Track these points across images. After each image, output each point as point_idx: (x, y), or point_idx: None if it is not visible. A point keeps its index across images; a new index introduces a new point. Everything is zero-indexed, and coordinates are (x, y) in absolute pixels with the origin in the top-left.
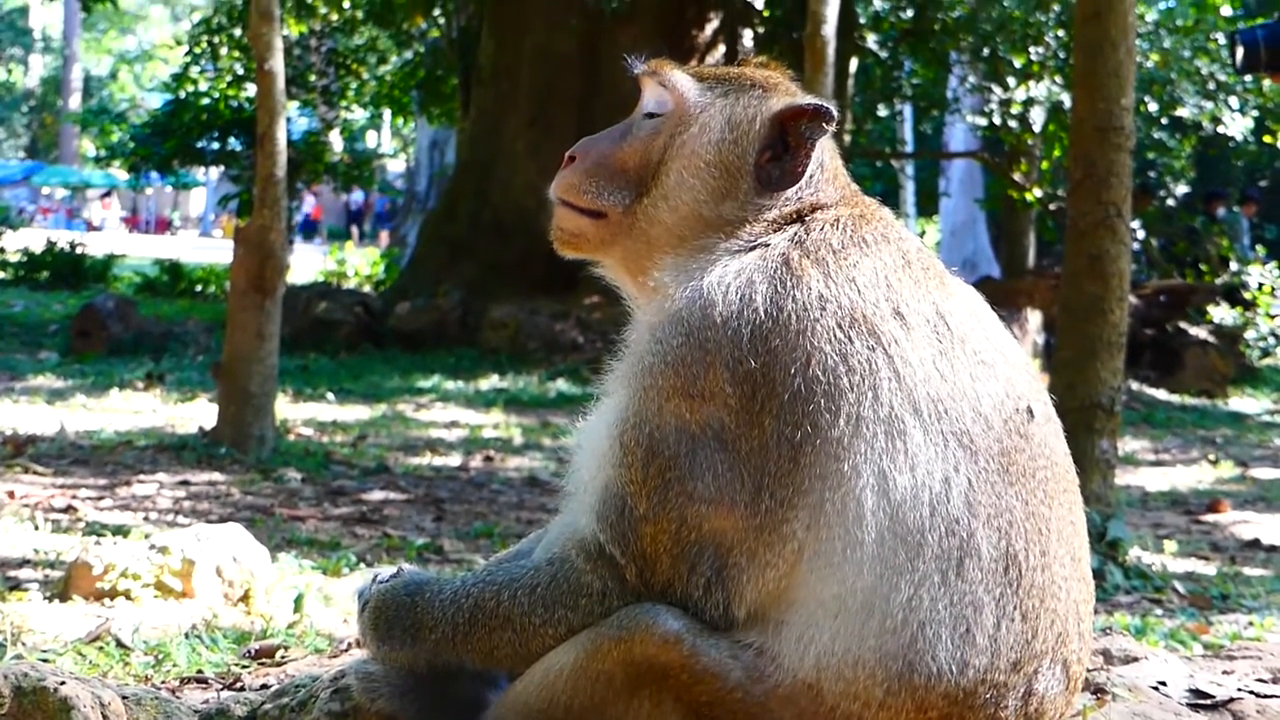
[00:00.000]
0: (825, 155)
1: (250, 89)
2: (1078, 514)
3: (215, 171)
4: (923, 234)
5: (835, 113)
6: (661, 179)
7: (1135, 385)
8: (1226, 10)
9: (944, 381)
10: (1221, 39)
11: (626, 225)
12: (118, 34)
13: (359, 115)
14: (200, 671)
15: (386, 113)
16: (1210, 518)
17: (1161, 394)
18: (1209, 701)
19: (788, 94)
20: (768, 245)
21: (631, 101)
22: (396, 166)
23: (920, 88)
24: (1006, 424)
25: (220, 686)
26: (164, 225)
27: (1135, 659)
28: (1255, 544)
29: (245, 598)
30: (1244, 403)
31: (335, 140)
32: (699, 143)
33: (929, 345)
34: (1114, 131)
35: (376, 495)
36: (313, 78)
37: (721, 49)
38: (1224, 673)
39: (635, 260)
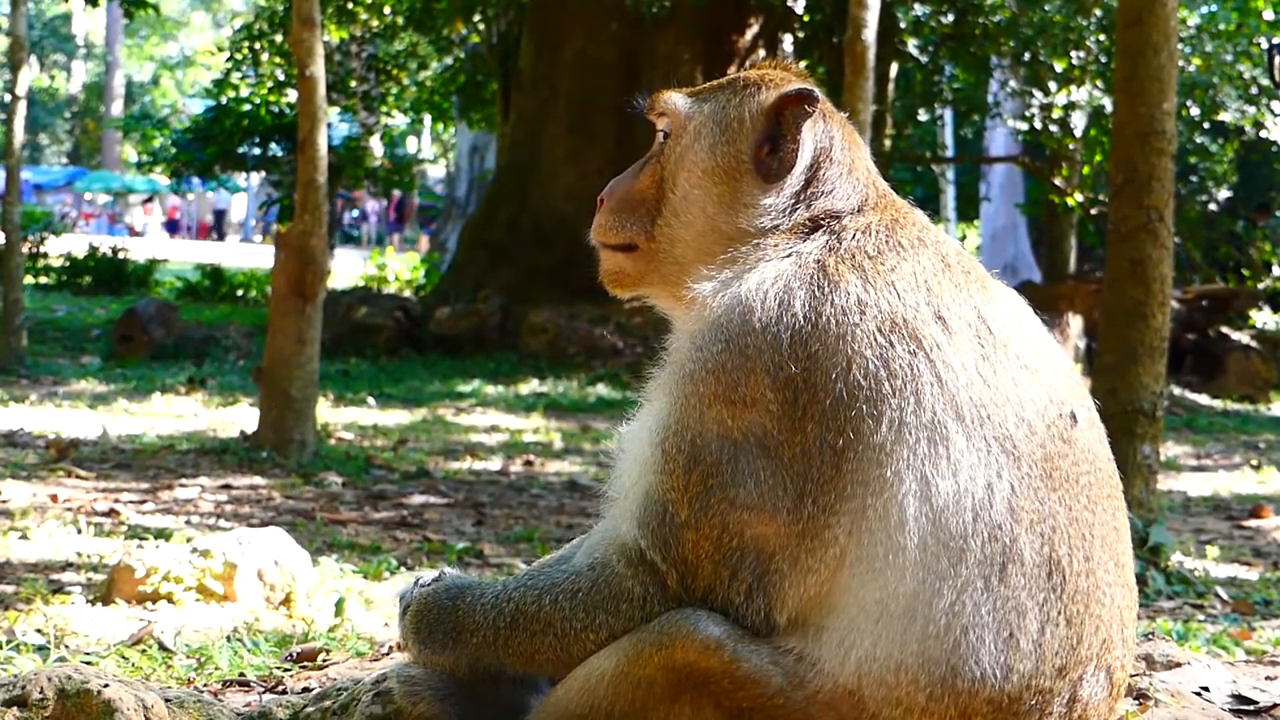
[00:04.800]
0: (837, 150)
1: (291, 95)
2: (1121, 519)
3: (256, 177)
4: (963, 239)
5: (818, 94)
6: (669, 197)
7: (1177, 390)
8: (1269, 15)
9: (986, 386)
10: (1264, 44)
11: (654, 251)
12: (160, 40)
13: (399, 120)
14: (242, 674)
15: (427, 118)
16: (1253, 523)
17: (1203, 399)
18: (1251, 707)
19: (779, 86)
20: (801, 253)
21: None
22: (437, 172)
23: (961, 92)
24: (1049, 429)
25: (262, 689)
26: (205, 230)
27: (1177, 664)
28: None
29: (286, 601)
30: None
31: (376, 145)
32: (694, 152)
33: (971, 350)
34: (1155, 136)
35: (417, 499)
36: (353, 83)
37: (761, 54)
38: (1267, 678)
39: (673, 284)
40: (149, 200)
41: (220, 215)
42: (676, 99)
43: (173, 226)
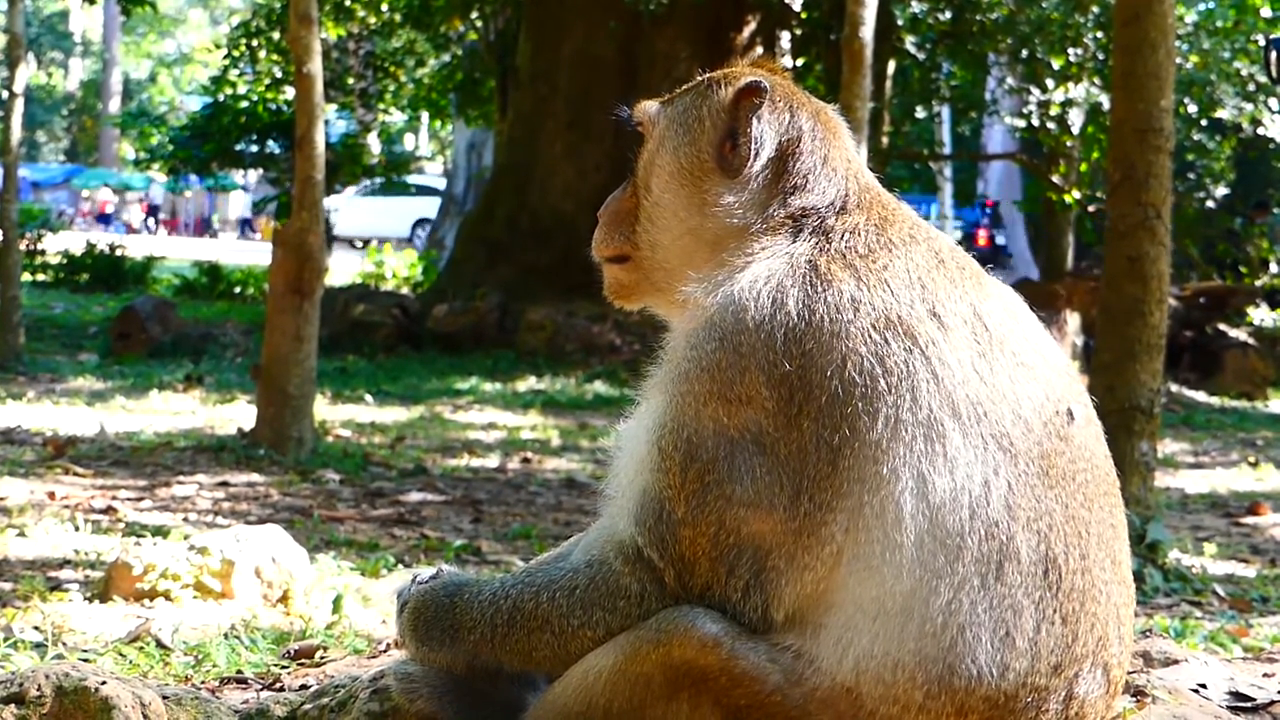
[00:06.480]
0: (807, 142)
1: (289, 92)
2: (1118, 517)
3: (254, 174)
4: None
5: (766, 84)
6: (644, 204)
7: (1175, 387)
8: (1266, 12)
9: (983, 383)
10: (1262, 41)
11: (641, 259)
12: (157, 37)
13: (397, 118)
14: (240, 672)
15: (424, 115)
16: (1250, 520)
17: (1201, 396)
18: (1249, 704)
19: (738, 82)
20: (792, 253)
21: None
22: (435, 169)
23: (958, 89)
24: (1046, 426)
25: (260, 687)
26: (203, 227)
27: (1175, 661)
28: None
29: (284, 598)
30: None
31: (373, 143)
32: (660, 156)
33: (967, 346)
34: (1153, 133)
35: (414, 496)
36: (351, 80)
37: (759, 51)
38: (1264, 675)
39: (665, 290)
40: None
41: (154, 210)
42: (649, 106)
43: (105, 220)
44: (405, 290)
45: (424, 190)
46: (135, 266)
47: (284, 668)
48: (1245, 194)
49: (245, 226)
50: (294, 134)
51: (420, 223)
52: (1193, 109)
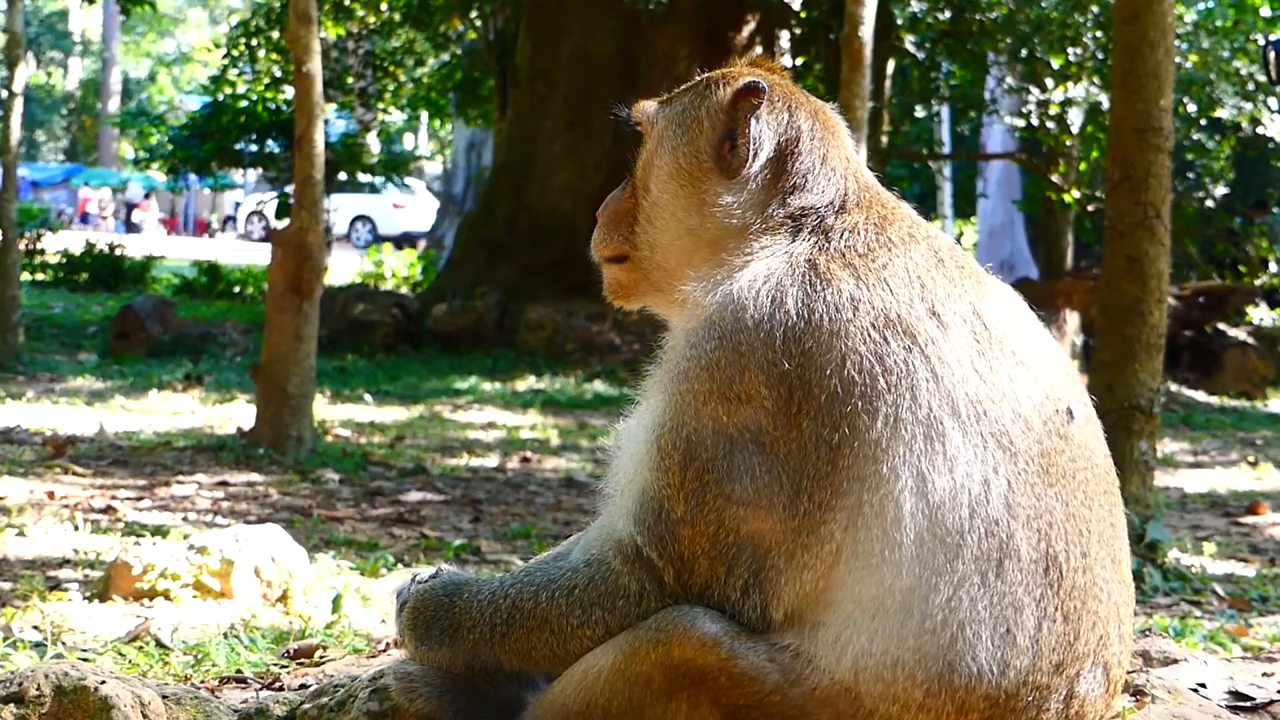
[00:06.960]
0: (806, 141)
1: (288, 91)
2: (1118, 516)
3: (253, 174)
4: (960, 235)
5: (763, 85)
6: (643, 204)
7: (1174, 387)
8: (1266, 12)
9: (983, 382)
10: (1261, 40)
11: (641, 259)
12: (156, 37)
13: (396, 117)
14: (239, 671)
15: (424, 115)
16: (1249, 519)
17: (1200, 395)
18: (1248, 704)
19: (737, 82)
20: (791, 253)
21: None
22: (434, 168)
23: (958, 89)
24: (1046, 425)
25: (259, 686)
26: (202, 227)
27: (1174, 661)
28: None
29: (283, 598)
30: None
31: (373, 142)
32: (659, 156)
33: (967, 345)
34: (1152, 132)
35: (414, 496)
36: (350, 80)
37: (759, 50)
38: (1264, 675)
39: (664, 290)
40: (146, 197)
41: (131, 208)
42: (648, 106)
43: (85, 219)
44: (404, 290)
45: (361, 187)
46: (135, 266)
47: (283, 667)
48: (1245, 193)
49: (231, 222)
50: (293, 133)
51: (358, 219)
52: (1192, 108)
